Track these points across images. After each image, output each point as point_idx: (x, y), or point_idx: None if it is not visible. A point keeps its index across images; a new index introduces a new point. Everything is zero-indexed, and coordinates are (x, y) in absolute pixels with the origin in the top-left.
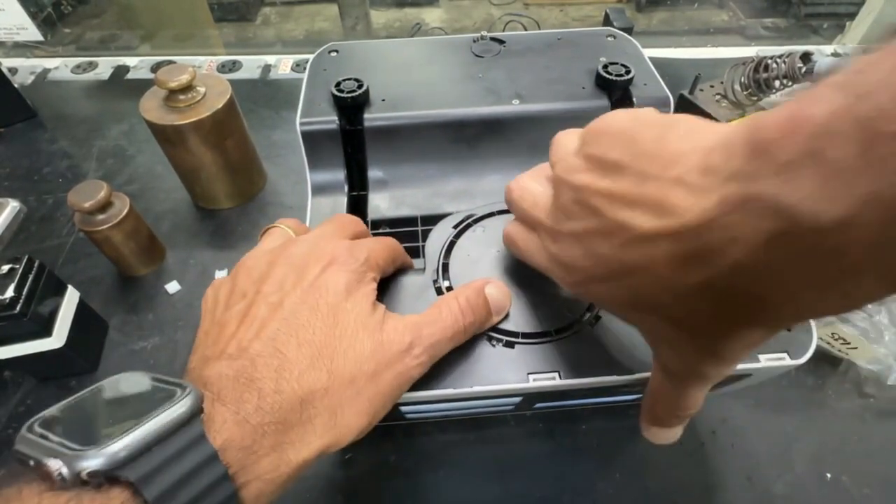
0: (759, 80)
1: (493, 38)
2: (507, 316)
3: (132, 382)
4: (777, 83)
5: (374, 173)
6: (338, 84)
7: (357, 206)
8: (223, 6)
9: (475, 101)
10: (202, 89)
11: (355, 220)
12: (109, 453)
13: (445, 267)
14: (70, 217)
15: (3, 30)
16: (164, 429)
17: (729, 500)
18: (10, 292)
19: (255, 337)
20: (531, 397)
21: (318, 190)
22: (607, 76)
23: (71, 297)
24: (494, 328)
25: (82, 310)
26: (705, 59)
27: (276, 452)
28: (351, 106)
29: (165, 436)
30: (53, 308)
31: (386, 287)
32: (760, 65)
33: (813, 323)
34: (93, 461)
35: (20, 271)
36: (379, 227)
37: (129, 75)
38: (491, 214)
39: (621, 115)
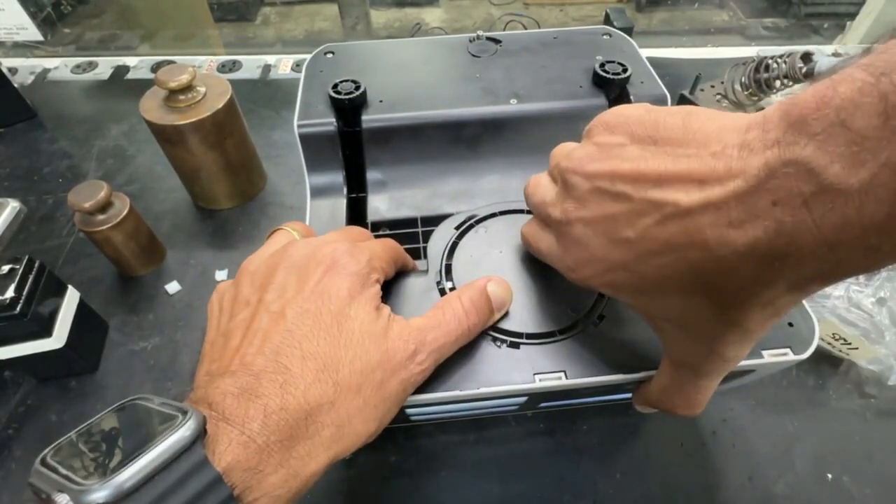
0: (760, 80)
1: (489, 38)
2: (507, 313)
3: (136, 408)
4: (777, 83)
5: (372, 175)
6: (335, 86)
7: (356, 207)
8: (223, 6)
9: (473, 101)
10: (202, 89)
11: (362, 231)
12: (114, 485)
13: (448, 268)
14: (70, 217)
15: (3, 30)
16: (166, 456)
17: (729, 500)
18: (10, 292)
19: (258, 351)
20: (537, 397)
21: (317, 192)
22: (604, 75)
23: (71, 298)
24: (500, 329)
25: (82, 310)
26: (706, 59)
27: (284, 468)
28: (348, 108)
29: (168, 462)
30: (53, 308)
31: (389, 289)
32: (761, 65)
33: (815, 320)
34: (98, 494)
35: (20, 271)
36: (379, 228)
37: (129, 75)
38: (493, 215)
39: (633, 106)
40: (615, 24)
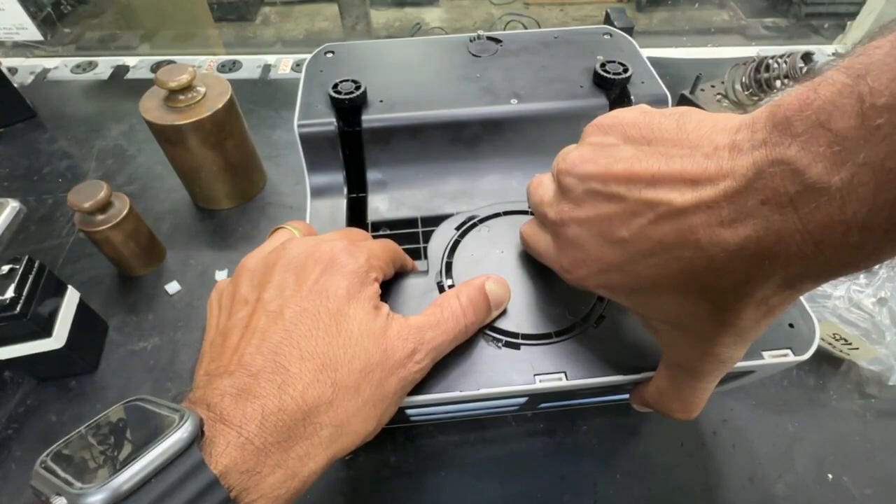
0: (760, 79)
1: (489, 38)
2: (505, 312)
3: (133, 409)
4: (778, 83)
5: (373, 175)
6: (335, 86)
7: (356, 207)
8: (223, 6)
9: (473, 101)
10: (202, 89)
11: (361, 232)
12: (111, 488)
13: (449, 266)
14: (70, 217)
15: (3, 30)
16: (163, 458)
17: (730, 500)
18: (10, 293)
19: (256, 351)
20: (537, 398)
21: (317, 192)
22: (605, 74)
23: (71, 298)
24: (501, 330)
25: (82, 310)
26: (706, 58)
27: (282, 469)
28: (349, 108)
29: (165, 465)
30: (53, 308)
31: (389, 289)
32: (761, 65)
33: (816, 320)
34: (95, 497)
35: (20, 271)
36: (379, 228)
37: (129, 75)
38: (496, 215)
39: (629, 109)
40: (616, 23)
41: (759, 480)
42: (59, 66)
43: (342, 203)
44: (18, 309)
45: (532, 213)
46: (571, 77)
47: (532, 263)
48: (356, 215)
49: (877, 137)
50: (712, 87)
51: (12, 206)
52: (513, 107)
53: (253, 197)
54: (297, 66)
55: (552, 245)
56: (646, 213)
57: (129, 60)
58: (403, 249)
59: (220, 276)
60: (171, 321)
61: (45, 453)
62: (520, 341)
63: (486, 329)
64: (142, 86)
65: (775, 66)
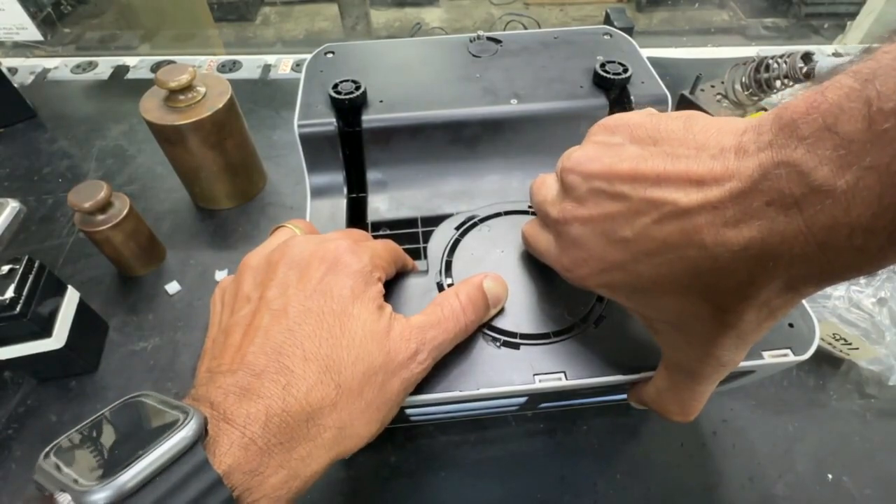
0: (760, 80)
1: (489, 38)
2: (503, 310)
3: (138, 406)
4: (778, 83)
5: (373, 175)
6: (335, 86)
7: (356, 208)
8: (223, 6)
9: (473, 101)
10: (202, 89)
11: (362, 232)
12: (116, 486)
13: (449, 265)
14: (70, 217)
15: (3, 30)
16: (168, 457)
17: (730, 500)
18: (10, 293)
19: (259, 350)
20: (537, 398)
21: (318, 192)
22: (605, 75)
23: (71, 298)
24: (500, 329)
25: (82, 310)
26: (706, 59)
27: (285, 469)
28: (349, 108)
29: (169, 464)
30: (53, 308)
31: (390, 289)
32: (761, 65)
33: (816, 320)
34: (100, 495)
35: (20, 271)
36: (379, 228)
37: (129, 75)
38: (496, 215)
39: (634, 112)
40: (615, 23)
41: (759, 480)
42: (59, 66)
43: (342, 203)
44: (18, 309)
45: (533, 213)
46: (571, 77)
47: (532, 263)
48: (356, 215)
49: (883, 141)
50: (712, 87)
51: (12, 206)
52: (513, 107)
53: (253, 197)
54: (297, 66)
55: (554, 244)
56: (650, 213)
57: (129, 60)
58: (403, 249)
59: (221, 276)
60: (172, 321)
61: (48, 447)
62: (519, 341)
63: (485, 329)
64: (142, 86)
65: (775, 66)
